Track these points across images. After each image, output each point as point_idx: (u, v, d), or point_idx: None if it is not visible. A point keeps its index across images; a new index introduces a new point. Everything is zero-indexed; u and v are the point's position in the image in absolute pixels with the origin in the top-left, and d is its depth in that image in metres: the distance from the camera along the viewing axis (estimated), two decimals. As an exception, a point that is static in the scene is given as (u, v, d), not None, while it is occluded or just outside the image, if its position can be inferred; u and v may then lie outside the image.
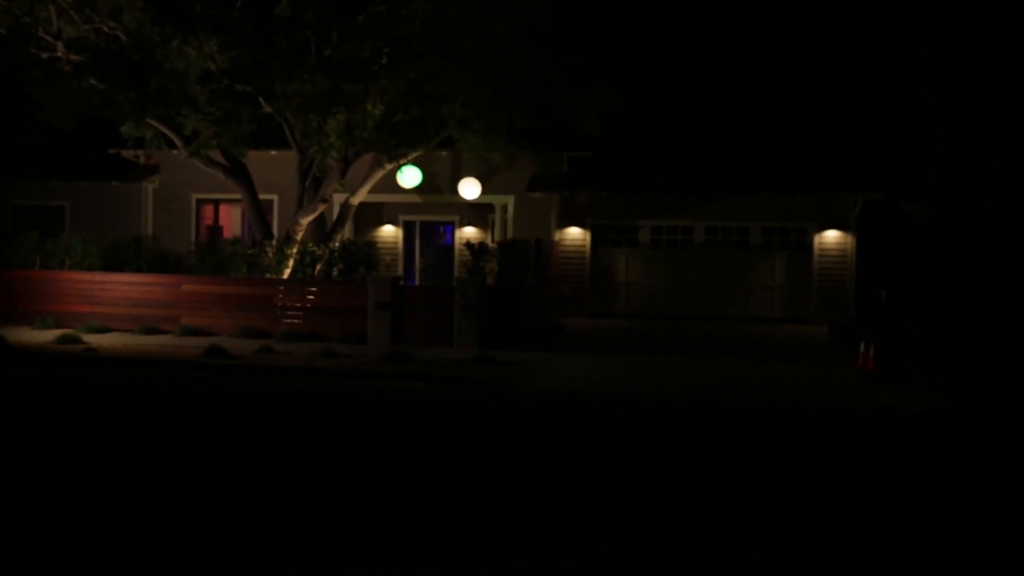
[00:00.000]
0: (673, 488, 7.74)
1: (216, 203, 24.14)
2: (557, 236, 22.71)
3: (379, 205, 23.78)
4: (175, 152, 20.40)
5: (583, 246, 22.79)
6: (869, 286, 20.87)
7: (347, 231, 22.48)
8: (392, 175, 21.48)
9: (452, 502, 7.15)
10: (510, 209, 23.06)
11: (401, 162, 20.70)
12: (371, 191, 21.31)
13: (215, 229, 24.13)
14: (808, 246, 22.00)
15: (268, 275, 19.33)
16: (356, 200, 21.00)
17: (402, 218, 24.46)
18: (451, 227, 24.54)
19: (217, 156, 20.15)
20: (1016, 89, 20.29)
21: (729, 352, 17.53)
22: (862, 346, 14.92)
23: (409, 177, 21.80)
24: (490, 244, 21.54)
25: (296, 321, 18.22)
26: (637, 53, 21.05)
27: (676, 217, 22.52)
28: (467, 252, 21.00)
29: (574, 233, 22.80)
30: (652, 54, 22.94)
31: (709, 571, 5.71)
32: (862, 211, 21.73)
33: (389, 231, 24.50)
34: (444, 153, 22.37)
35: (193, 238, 23.53)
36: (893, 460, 9.28)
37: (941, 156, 21.60)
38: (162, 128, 19.36)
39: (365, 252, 20.69)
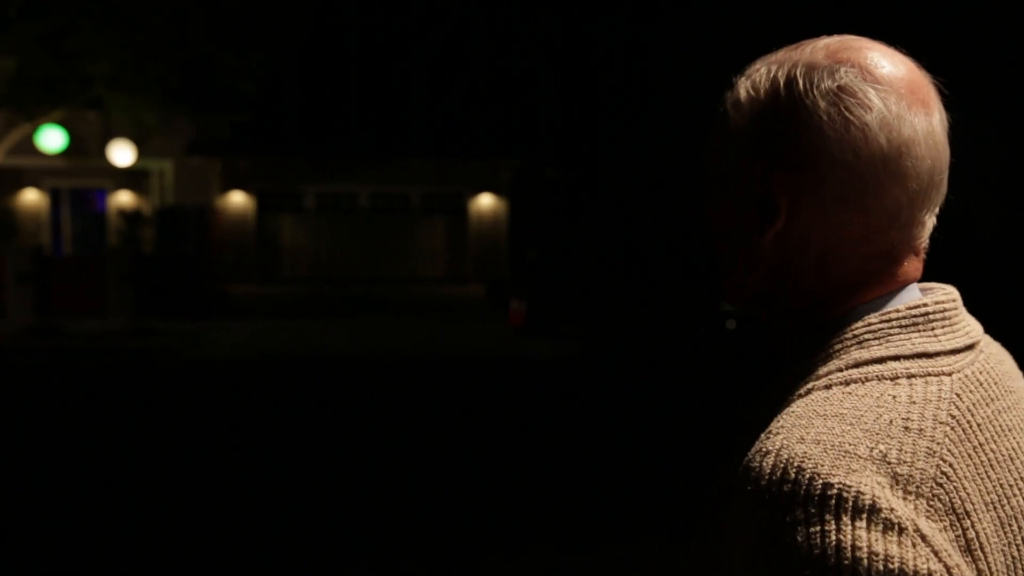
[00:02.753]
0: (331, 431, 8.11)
1: None
2: (220, 202, 22.18)
3: (19, 169, 21.90)
4: None
5: (248, 212, 22.44)
6: (521, 247, 22.45)
7: (-19, 197, 20.52)
8: (33, 136, 19.85)
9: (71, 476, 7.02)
10: (168, 174, 22.15)
11: (40, 122, 19.17)
12: (9, 153, 19.54)
13: None
14: (464, 210, 23.19)
15: None
16: (-11, 163, 19.21)
17: (47, 183, 22.69)
18: (103, 193, 23.12)
19: None
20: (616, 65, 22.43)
21: (392, 313, 18.16)
22: (512, 303, 16.10)
23: (51, 139, 20.23)
24: (147, 211, 20.62)
25: (-81, 297, 16.46)
26: (300, 11, 20.88)
27: (341, 183, 22.80)
28: (121, 219, 19.99)
29: (238, 199, 22.38)
30: (316, 13, 22.87)
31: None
32: (513, 177, 23.24)
33: (32, 197, 22.65)
34: (92, 114, 20.99)
35: None
36: (526, 394, 10.27)
37: (580, 123, 23.48)
38: None
39: (2, 220, 19.04)
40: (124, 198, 22.85)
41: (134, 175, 22.82)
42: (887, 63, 0.83)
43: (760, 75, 0.87)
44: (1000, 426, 0.81)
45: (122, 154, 21.08)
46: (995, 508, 0.77)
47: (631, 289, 15.48)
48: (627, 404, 10.07)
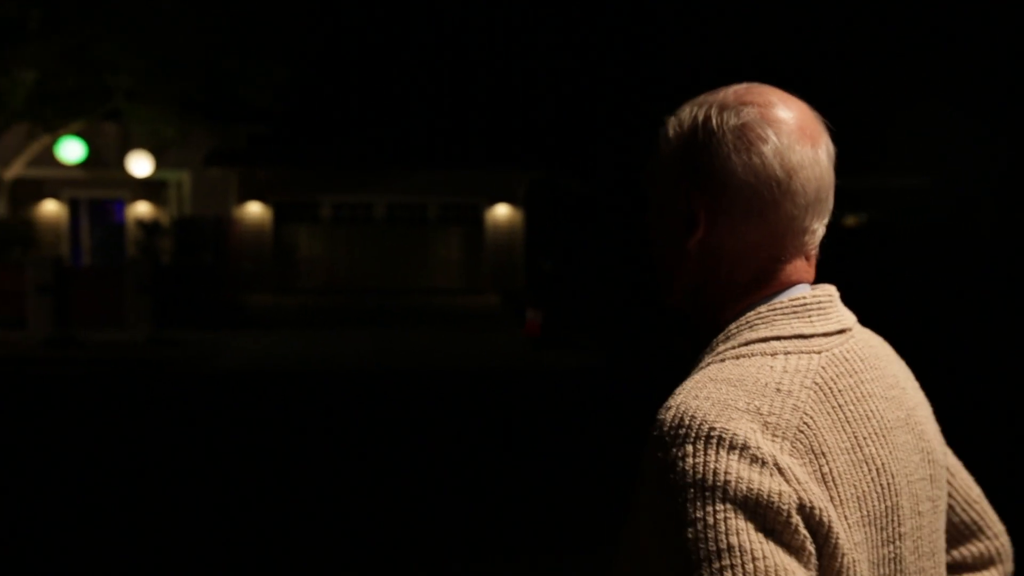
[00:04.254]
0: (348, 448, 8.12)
1: None
2: (237, 213, 22.29)
3: (39, 180, 22.08)
4: None
5: (265, 222, 22.55)
6: (537, 258, 22.46)
7: (2, 207, 20.67)
8: (53, 147, 20.03)
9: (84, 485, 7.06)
10: (186, 185, 22.29)
11: (60, 133, 19.35)
12: (29, 164, 19.74)
13: None
14: (481, 221, 23.23)
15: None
16: (10, 174, 19.36)
17: (67, 194, 22.86)
18: (122, 204, 23.28)
19: None
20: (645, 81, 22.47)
21: (409, 324, 18.19)
22: (529, 313, 16.10)
23: (70, 151, 20.41)
24: (165, 222, 20.75)
25: (-59, 307, 16.60)
26: (316, 25, 21.01)
27: (357, 193, 22.88)
28: (140, 230, 20.11)
29: (255, 210, 22.49)
30: (332, 26, 23.00)
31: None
32: (529, 188, 23.26)
33: (52, 208, 22.83)
34: (111, 125, 21.16)
35: None
36: (539, 404, 10.26)
37: (600, 136, 23.50)
38: None
39: (22, 230, 19.20)
40: (142, 209, 23.01)
41: (152, 186, 22.97)
42: (781, 106, 1.04)
43: (685, 114, 1.08)
44: (861, 393, 1.02)
45: (141, 165, 21.23)
46: (849, 452, 0.97)
47: (648, 300, 15.46)
48: (640, 415, 10.04)
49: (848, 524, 0.94)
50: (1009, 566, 1.22)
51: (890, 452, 1.02)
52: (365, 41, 24.60)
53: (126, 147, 21.64)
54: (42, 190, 22.55)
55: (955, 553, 1.21)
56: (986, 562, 1.21)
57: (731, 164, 1.02)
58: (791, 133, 1.02)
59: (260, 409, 10.23)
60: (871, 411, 1.02)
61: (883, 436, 1.02)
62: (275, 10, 18.82)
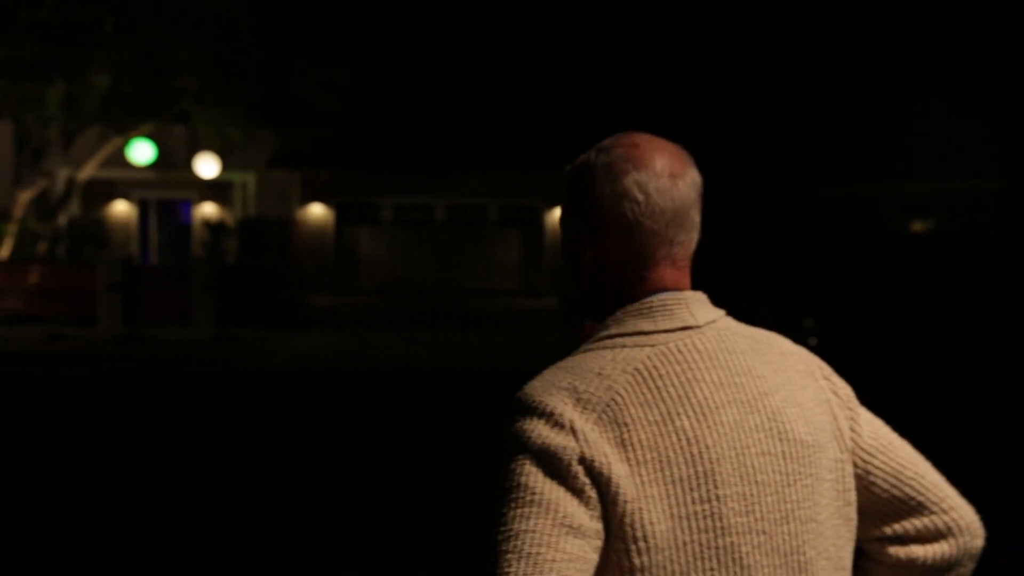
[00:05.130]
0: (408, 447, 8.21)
1: (-81, 177, 22.06)
2: (300, 214, 22.62)
3: (110, 181, 22.65)
4: None
5: (327, 223, 22.84)
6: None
7: (75, 208, 21.27)
8: (124, 149, 20.55)
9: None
10: (251, 186, 22.69)
11: (131, 136, 19.84)
12: (101, 166, 20.28)
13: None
14: (540, 223, 23.24)
15: (-18, 255, 18.02)
16: (83, 175, 19.92)
17: (136, 195, 23.41)
18: (189, 204, 23.78)
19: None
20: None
21: (467, 325, 18.29)
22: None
23: (141, 152, 20.92)
24: (230, 222, 21.16)
25: (17, 304, 17.14)
26: (378, 28, 21.27)
27: (418, 194, 23.06)
28: (206, 230, 20.53)
29: (317, 211, 22.81)
30: (394, 29, 23.24)
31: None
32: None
33: (122, 208, 23.40)
34: (179, 128, 21.62)
35: None
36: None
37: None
38: None
39: (94, 230, 19.75)
40: (208, 209, 23.48)
41: (218, 187, 23.42)
42: (644, 146, 1.26)
43: (580, 157, 1.32)
44: (686, 379, 1.19)
45: (207, 167, 21.68)
46: (658, 424, 1.15)
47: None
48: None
49: (642, 480, 1.13)
50: (968, 539, 1.31)
51: (709, 427, 1.18)
52: (427, 43, 24.79)
53: (193, 149, 22.11)
54: (113, 191, 23.14)
55: (896, 526, 1.31)
56: (934, 535, 1.30)
57: (601, 194, 1.26)
58: (649, 167, 1.25)
59: (318, 407, 10.38)
60: (692, 393, 1.19)
61: (703, 414, 1.18)
62: (337, 13, 19.09)
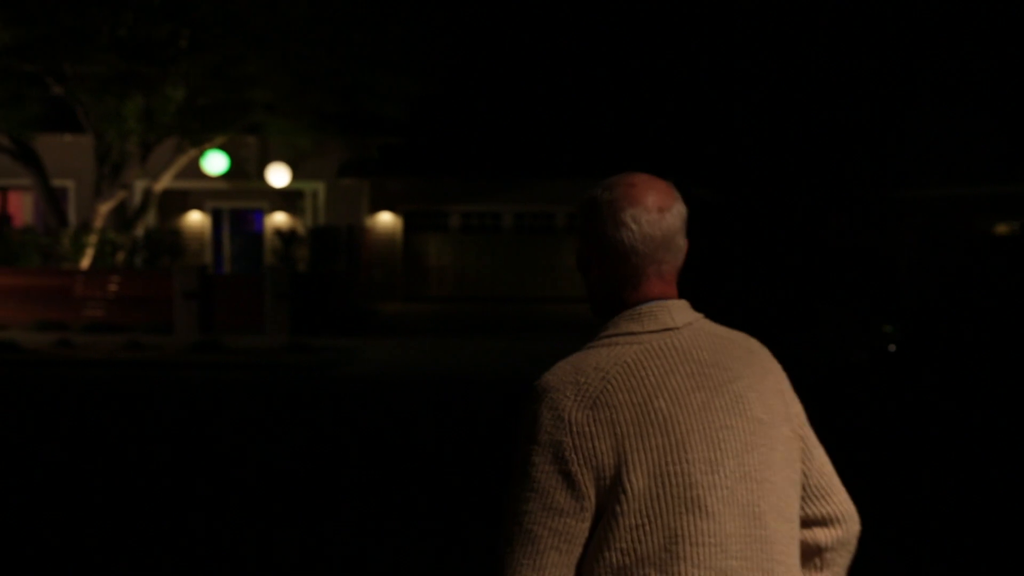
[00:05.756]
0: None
1: (4, 190, 22.78)
2: (369, 222, 22.83)
3: (185, 192, 23.14)
4: (-47, 135, 19.15)
5: (395, 231, 23.01)
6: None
7: (151, 218, 21.77)
8: (198, 160, 20.96)
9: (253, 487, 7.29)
10: (321, 195, 22.97)
11: (205, 147, 20.24)
12: (176, 177, 20.71)
13: (3, 218, 22.77)
14: (610, 229, 23.09)
15: (65, 265, 18.50)
16: (159, 187, 20.36)
17: (210, 205, 23.88)
18: (261, 214, 24.17)
19: (3, 140, 19.06)
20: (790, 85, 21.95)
21: (536, 332, 18.23)
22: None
23: (215, 163, 21.34)
24: (301, 231, 21.44)
25: (98, 312, 17.56)
26: (446, 37, 21.38)
27: (485, 202, 23.12)
28: (277, 239, 20.83)
29: (386, 219, 22.99)
30: (461, 38, 23.34)
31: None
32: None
33: (196, 218, 23.88)
34: (251, 138, 21.99)
35: (-22, 228, 22.13)
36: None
37: (725, 145, 23.08)
38: (-64, 109, 18.13)
39: (170, 240, 20.16)
40: (279, 218, 23.82)
41: (289, 196, 23.76)
42: (640, 186, 1.60)
43: (589, 192, 1.64)
44: (663, 369, 1.53)
45: (279, 176, 22.02)
46: (639, 406, 1.49)
47: (783, 311, 15.05)
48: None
49: (626, 448, 1.48)
50: (851, 526, 1.67)
51: (681, 407, 1.51)
52: (493, 52, 24.85)
53: (265, 159, 22.48)
54: (187, 201, 23.63)
55: (807, 509, 1.64)
56: (830, 520, 1.65)
57: (605, 225, 1.59)
58: (642, 203, 1.58)
59: (393, 414, 10.41)
60: (668, 381, 1.52)
61: (676, 397, 1.51)
62: (405, 24, 19.23)
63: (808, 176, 21.07)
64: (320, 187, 22.89)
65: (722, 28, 23.03)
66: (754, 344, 1.66)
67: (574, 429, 1.48)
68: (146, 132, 18.61)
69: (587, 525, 1.48)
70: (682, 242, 1.62)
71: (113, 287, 17.69)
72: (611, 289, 1.61)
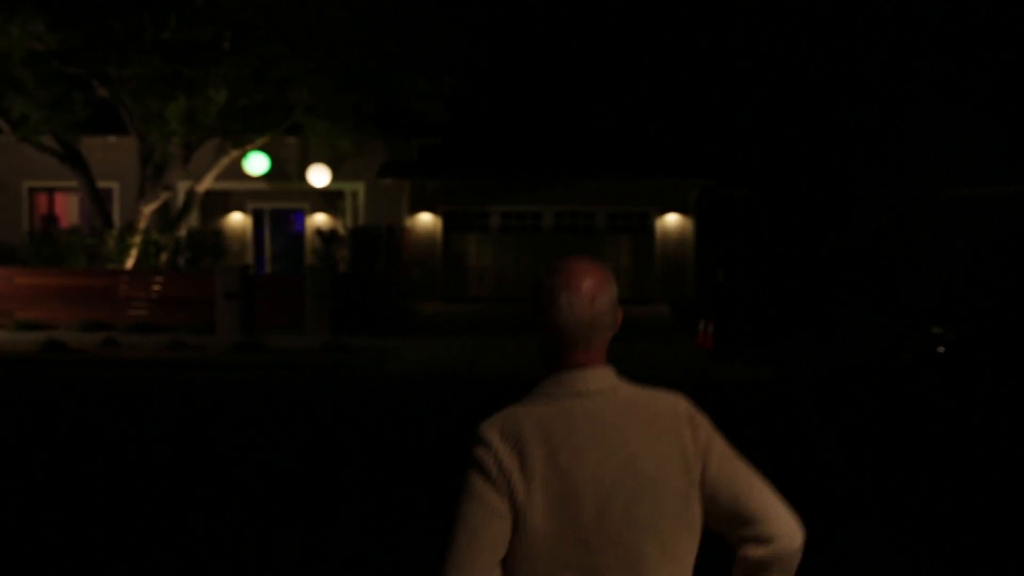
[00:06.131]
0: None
1: (51, 191, 23.10)
2: (409, 222, 22.84)
3: (226, 193, 23.30)
4: (1, 137, 19.42)
5: (435, 232, 23.00)
6: (708, 267, 21.96)
7: (194, 219, 21.96)
8: (239, 162, 21.10)
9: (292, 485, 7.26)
10: (361, 196, 23.02)
11: (247, 148, 20.36)
12: (218, 178, 20.87)
13: (50, 219, 23.09)
14: (650, 229, 22.91)
15: (110, 266, 18.71)
16: (202, 188, 20.53)
17: (251, 205, 24.03)
18: (301, 214, 24.28)
19: (50, 142, 19.32)
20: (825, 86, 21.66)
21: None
22: (701, 324, 15.71)
23: (256, 164, 21.44)
24: (341, 231, 21.49)
25: (142, 312, 17.74)
26: (484, 37, 21.34)
27: (525, 202, 23.02)
28: (318, 239, 20.90)
29: (426, 219, 22.99)
30: (500, 38, 23.29)
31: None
32: (700, 196, 22.78)
33: (238, 219, 24.05)
34: (292, 139, 22.10)
35: (26, 228, 22.46)
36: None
37: (768, 144, 22.82)
38: (-15, 111, 18.43)
39: (212, 241, 20.30)
40: (320, 219, 23.91)
41: (329, 197, 23.84)
42: (575, 274, 1.89)
43: (537, 276, 1.93)
44: (568, 430, 1.83)
45: (319, 177, 22.08)
46: (544, 459, 1.80)
47: (828, 312, 14.79)
48: (817, 434, 9.56)
49: (531, 491, 1.80)
50: (784, 543, 1.88)
51: (578, 463, 1.81)
52: (532, 52, 24.76)
53: (305, 160, 22.57)
54: (229, 202, 23.80)
55: (738, 532, 1.89)
56: (763, 539, 1.88)
57: (544, 304, 1.89)
58: (575, 290, 1.88)
59: (432, 414, 10.36)
60: (571, 440, 1.83)
61: (575, 454, 1.82)
62: (443, 24, 19.22)
63: (853, 175, 20.74)
64: (360, 187, 22.95)
65: (774, 29, 22.75)
66: (661, 407, 1.92)
67: (498, 459, 1.83)
68: (188, 133, 18.77)
69: (507, 527, 1.82)
70: (610, 320, 1.94)
71: (156, 287, 17.85)
72: (549, 352, 1.93)
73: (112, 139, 21.41)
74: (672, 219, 22.81)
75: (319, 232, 20.79)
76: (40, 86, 17.93)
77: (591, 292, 1.89)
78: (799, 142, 22.03)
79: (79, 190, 20.69)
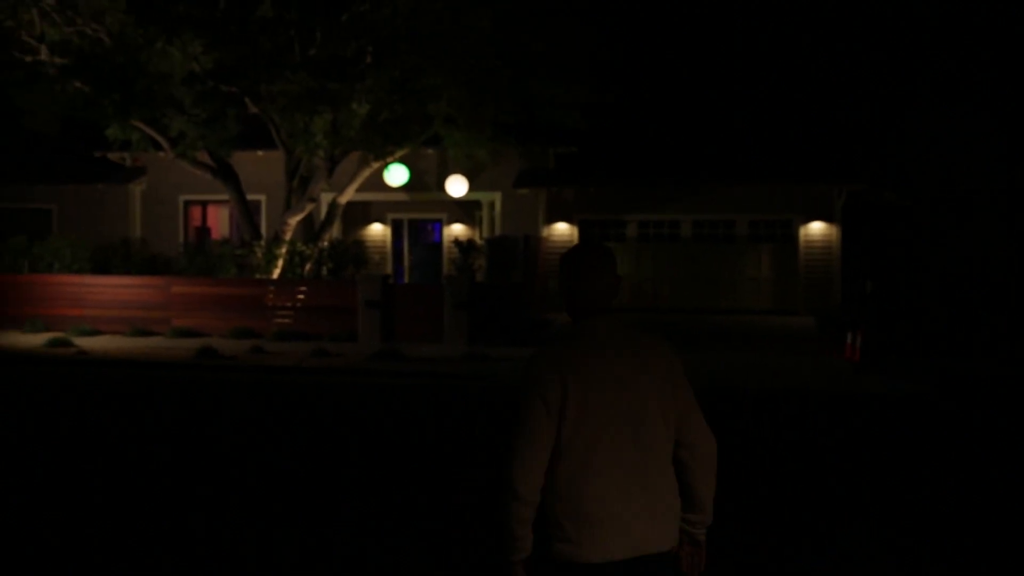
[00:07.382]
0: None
1: (204, 204, 24.16)
2: (545, 232, 22.82)
3: (367, 204, 23.84)
4: (161, 154, 20.43)
5: (571, 241, 22.87)
6: (854, 276, 21.06)
7: (335, 230, 22.54)
8: (379, 174, 21.54)
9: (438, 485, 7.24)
10: (497, 206, 23.15)
11: (388, 160, 20.76)
12: (359, 190, 21.36)
13: (203, 230, 24.14)
14: (794, 238, 22.17)
15: (257, 275, 19.38)
16: (344, 199, 21.06)
17: (390, 216, 24.51)
18: (439, 224, 24.61)
19: (204, 157, 20.20)
20: (991, 80, 20.49)
21: (720, 343, 17.66)
22: (848, 336, 15.07)
23: (396, 175, 21.85)
24: (478, 241, 21.64)
25: (287, 321, 18.29)
26: (621, 45, 21.11)
27: (663, 211, 22.65)
28: (456, 249, 21.10)
29: (561, 228, 22.92)
30: (637, 46, 23.03)
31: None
32: (846, 202, 21.90)
33: (377, 229, 24.57)
34: (431, 151, 22.42)
35: (181, 240, 23.55)
36: (866, 440, 9.42)
37: (922, 147, 21.77)
38: (148, 130, 19.38)
39: (354, 251, 20.76)
40: (457, 229, 24.17)
41: (466, 206, 24.07)
42: (584, 254, 2.95)
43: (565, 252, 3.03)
44: (592, 353, 2.85)
45: (457, 187, 22.33)
46: (580, 371, 2.81)
47: (983, 324, 13.93)
48: (967, 454, 8.95)
49: (570, 392, 2.78)
50: (703, 447, 2.93)
51: (596, 378, 2.79)
52: (670, 58, 24.39)
53: (443, 171, 22.86)
54: (369, 213, 24.34)
55: (676, 437, 2.90)
56: (686, 445, 2.91)
57: (564, 275, 2.91)
58: (583, 263, 2.90)
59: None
60: (592, 362, 2.81)
61: (594, 371, 2.79)
62: (581, 31, 19.10)
63: (1013, 181, 19.56)
64: (497, 197, 23.08)
65: (901, 29, 21.75)
66: (649, 340, 2.94)
67: (544, 378, 2.78)
68: (332, 147, 19.28)
69: (554, 426, 2.77)
70: (608, 285, 2.91)
71: (301, 296, 18.38)
72: (574, 308, 2.90)
73: (260, 153, 22.21)
74: (817, 227, 22.01)
75: (456, 242, 20.98)
76: (197, 104, 18.78)
77: (596, 266, 2.89)
78: (948, 144, 20.93)
79: (230, 203, 21.54)
